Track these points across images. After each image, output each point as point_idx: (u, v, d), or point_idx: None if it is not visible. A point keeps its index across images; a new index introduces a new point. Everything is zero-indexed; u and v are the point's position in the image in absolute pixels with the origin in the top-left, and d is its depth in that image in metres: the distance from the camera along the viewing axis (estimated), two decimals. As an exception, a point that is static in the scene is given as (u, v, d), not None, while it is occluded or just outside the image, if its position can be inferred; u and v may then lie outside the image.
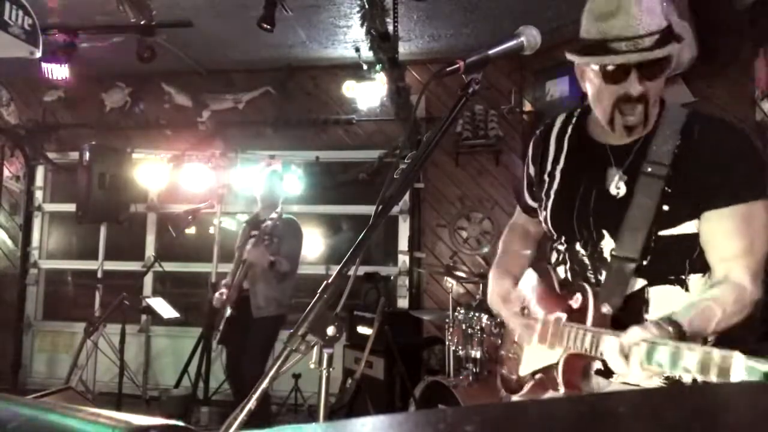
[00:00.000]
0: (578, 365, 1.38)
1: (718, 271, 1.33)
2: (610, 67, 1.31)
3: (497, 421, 0.48)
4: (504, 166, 4.99)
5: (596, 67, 1.34)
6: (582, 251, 1.47)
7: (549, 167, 1.57)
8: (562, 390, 1.37)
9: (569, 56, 1.39)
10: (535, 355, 1.49)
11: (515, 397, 1.56)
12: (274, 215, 3.95)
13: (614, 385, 1.39)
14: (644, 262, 1.35)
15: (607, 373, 1.40)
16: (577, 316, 1.37)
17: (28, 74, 5.11)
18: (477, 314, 3.55)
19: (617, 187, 1.41)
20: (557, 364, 1.38)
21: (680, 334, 1.17)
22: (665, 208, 1.33)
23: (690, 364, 1.02)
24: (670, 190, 1.32)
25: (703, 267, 1.38)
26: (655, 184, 1.33)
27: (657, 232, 1.33)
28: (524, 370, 1.53)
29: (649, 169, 1.34)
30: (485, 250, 4.96)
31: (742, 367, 0.95)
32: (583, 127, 1.54)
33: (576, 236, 1.47)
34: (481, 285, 3.99)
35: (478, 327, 3.51)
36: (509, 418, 0.50)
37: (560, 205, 1.52)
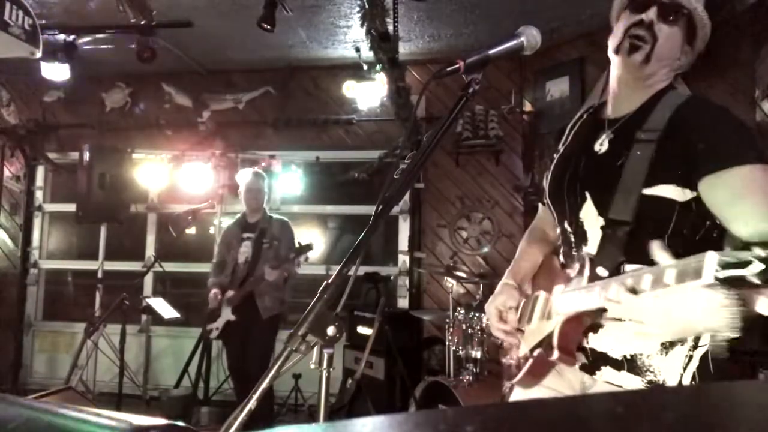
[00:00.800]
0: (573, 330, 1.38)
1: (748, 234, 1.19)
2: None
3: (497, 421, 0.48)
4: (504, 166, 4.99)
5: (629, 7, 1.42)
6: (568, 229, 1.48)
7: (558, 151, 1.61)
8: (556, 354, 1.38)
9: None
10: (532, 332, 1.51)
11: (516, 381, 1.56)
12: (262, 216, 4.00)
13: (599, 384, 1.40)
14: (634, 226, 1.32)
15: (591, 368, 1.41)
16: (574, 283, 1.39)
17: (28, 74, 5.12)
18: (477, 314, 3.55)
19: (600, 144, 1.43)
20: (553, 331, 1.40)
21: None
22: (657, 168, 1.30)
23: (670, 278, 1.01)
24: (662, 153, 1.30)
25: (690, 247, 1.25)
26: (647, 148, 1.32)
27: (642, 191, 1.30)
28: (523, 350, 1.55)
29: (643, 136, 1.34)
30: (485, 250, 4.96)
31: (714, 262, 0.91)
32: (591, 114, 1.58)
33: (565, 209, 1.48)
34: (481, 285, 4.00)
35: (479, 327, 3.51)
36: (509, 419, 0.50)
37: (555, 177, 1.54)
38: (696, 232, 1.32)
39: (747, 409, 0.53)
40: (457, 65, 1.21)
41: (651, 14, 1.37)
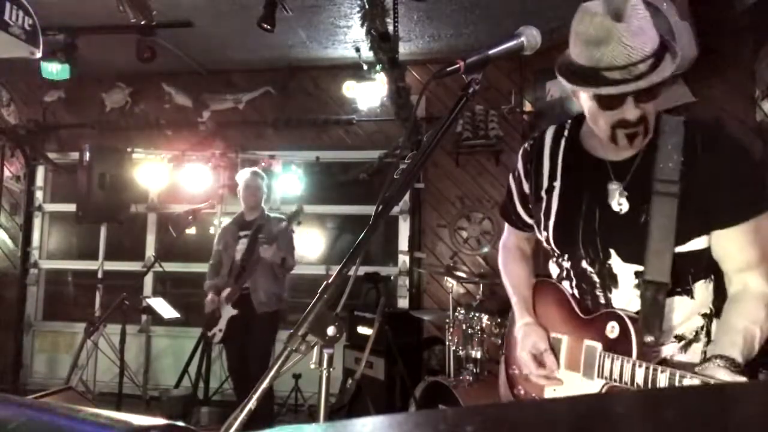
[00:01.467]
0: None
1: (735, 282, 1.35)
2: (604, 95, 1.27)
3: (497, 421, 0.48)
4: (504, 166, 4.99)
5: (597, 102, 1.30)
6: (590, 269, 1.45)
7: (546, 184, 1.53)
8: None
9: (560, 79, 1.34)
10: (566, 382, 1.47)
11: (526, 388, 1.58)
12: (260, 214, 4.00)
13: None
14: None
15: None
16: (616, 346, 1.34)
17: (28, 74, 5.11)
18: (477, 314, 3.55)
19: (619, 203, 1.39)
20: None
21: (737, 368, 1.22)
22: (683, 225, 1.34)
23: None
24: (683, 208, 1.32)
25: (706, 273, 1.41)
26: (669, 203, 1.31)
27: (674, 250, 1.34)
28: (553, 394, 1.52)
29: (660, 189, 1.33)
30: (485, 250, 4.96)
31: None
32: (576, 141, 1.51)
33: (581, 255, 1.46)
34: (481, 285, 4.00)
35: (479, 327, 3.51)
36: (509, 419, 0.50)
37: (563, 224, 1.49)
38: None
39: (747, 409, 0.53)
40: (457, 65, 1.21)
41: (632, 109, 1.27)
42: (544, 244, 1.57)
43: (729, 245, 1.34)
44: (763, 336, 1.27)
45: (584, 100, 1.35)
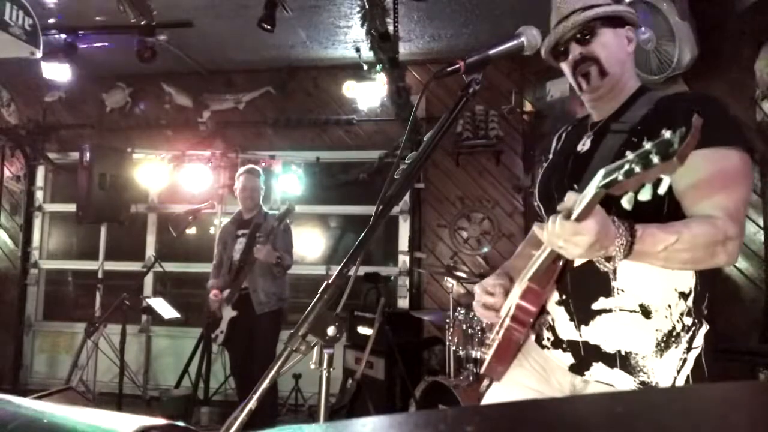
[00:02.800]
0: (530, 301, 1.39)
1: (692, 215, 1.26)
2: (555, 49, 1.50)
3: (497, 421, 0.48)
4: (504, 166, 4.99)
5: (557, 58, 1.52)
6: None
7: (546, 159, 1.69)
8: (506, 323, 1.41)
9: (544, 57, 1.56)
10: (500, 319, 1.53)
11: (484, 369, 1.55)
12: (258, 213, 3.99)
13: (591, 385, 1.40)
14: None
15: (581, 366, 1.40)
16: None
17: (28, 74, 5.12)
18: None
19: (583, 144, 1.49)
20: (512, 305, 1.43)
21: (632, 234, 1.14)
22: (627, 152, 1.28)
23: (580, 201, 1.09)
24: (634, 140, 1.29)
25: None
26: (619, 137, 1.37)
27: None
28: (491, 336, 1.56)
29: (616, 128, 1.41)
30: (485, 250, 4.96)
31: (601, 174, 1.02)
32: (578, 122, 1.66)
33: (555, 207, 1.45)
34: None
35: (479, 327, 3.51)
36: (509, 419, 0.50)
37: (544, 180, 1.60)
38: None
39: (747, 409, 0.53)
40: (458, 65, 1.21)
41: (575, 51, 1.46)
42: (537, 210, 1.66)
43: (684, 174, 1.20)
44: (689, 241, 1.16)
45: (563, 68, 1.53)
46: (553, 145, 1.69)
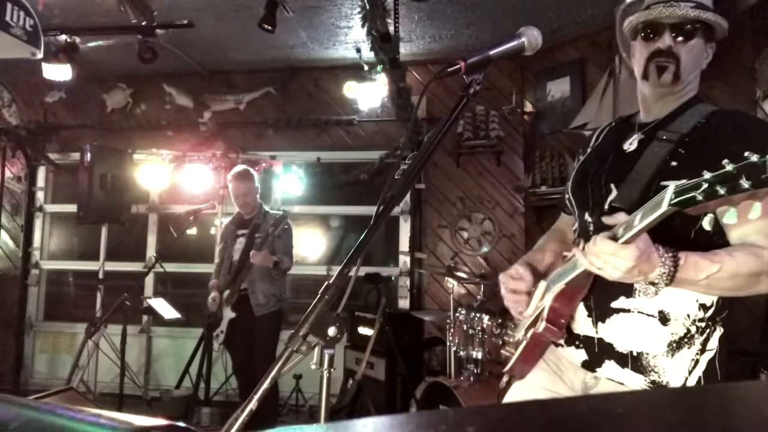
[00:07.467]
0: (563, 304, 1.40)
1: (733, 240, 1.27)
2: (646, 25, 1.42)
3: (498, 421, 0.48)
4: (505, 166, 4.99)
5: (641, 34, 1.44)
6: (589, 219, 1.48)
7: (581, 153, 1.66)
8: (542, 326, 1.39)
9: (625, 25, 1.49)
10: (528, 317, 1.52)
11: (508, 368, 1.56)
12: (258, 212, 3.98)
13: (602, 382, 1.40)
14: None
15: (593, 363, 1.40)
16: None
17: (29, 75, 5.13)
18: (478, 315, 3.55)
19: (630, 144, 1.46)
20: (545, 306, 1.41)
21: (675, 263, 1.13)
22: (673, 163, 1.32)
23: (637, 220, 1.07)
24: (682, 152, 1.32)
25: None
26: (666, 146, 1.35)
27: (660, 182, 1.30)
28: (518, 335, 1.55)
29: (664, 136, 1.38)
30: (486, 250, 4.96)
31: (671, 191, 0.99)
32: (622, 120, 1.62)
33: (588, 201, 1.48)
34: (482, 286, 4.00)
35: (479, 328, 3.51)
36: (510, 419, 0.50)
37: (579, 174, 1.57)
38: (691, 227, 1.33)
39: (747, 409, 0.53)
40: (458, 66, 1.21)
41: (666, 40, 1.39)
42: (568, 204, 1.62)
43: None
44: (735, 270, 1.16)
45: (635, 47, 1.48)
46: (592, 140, 1.66)
